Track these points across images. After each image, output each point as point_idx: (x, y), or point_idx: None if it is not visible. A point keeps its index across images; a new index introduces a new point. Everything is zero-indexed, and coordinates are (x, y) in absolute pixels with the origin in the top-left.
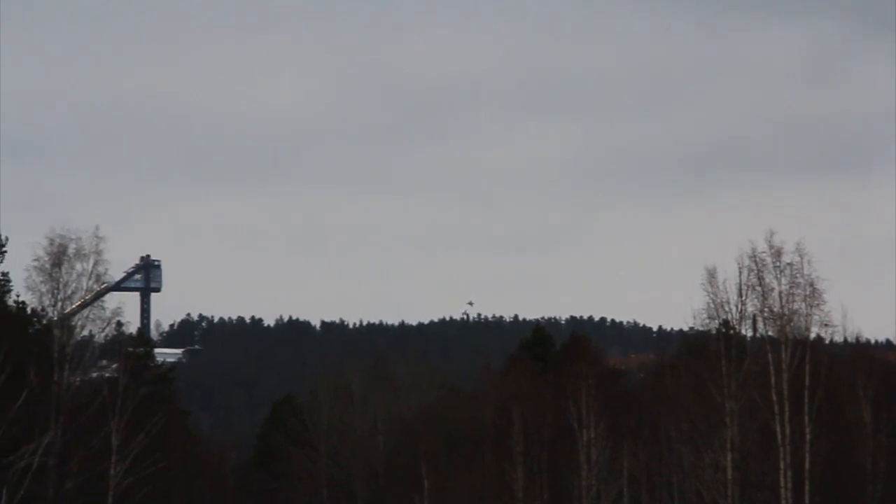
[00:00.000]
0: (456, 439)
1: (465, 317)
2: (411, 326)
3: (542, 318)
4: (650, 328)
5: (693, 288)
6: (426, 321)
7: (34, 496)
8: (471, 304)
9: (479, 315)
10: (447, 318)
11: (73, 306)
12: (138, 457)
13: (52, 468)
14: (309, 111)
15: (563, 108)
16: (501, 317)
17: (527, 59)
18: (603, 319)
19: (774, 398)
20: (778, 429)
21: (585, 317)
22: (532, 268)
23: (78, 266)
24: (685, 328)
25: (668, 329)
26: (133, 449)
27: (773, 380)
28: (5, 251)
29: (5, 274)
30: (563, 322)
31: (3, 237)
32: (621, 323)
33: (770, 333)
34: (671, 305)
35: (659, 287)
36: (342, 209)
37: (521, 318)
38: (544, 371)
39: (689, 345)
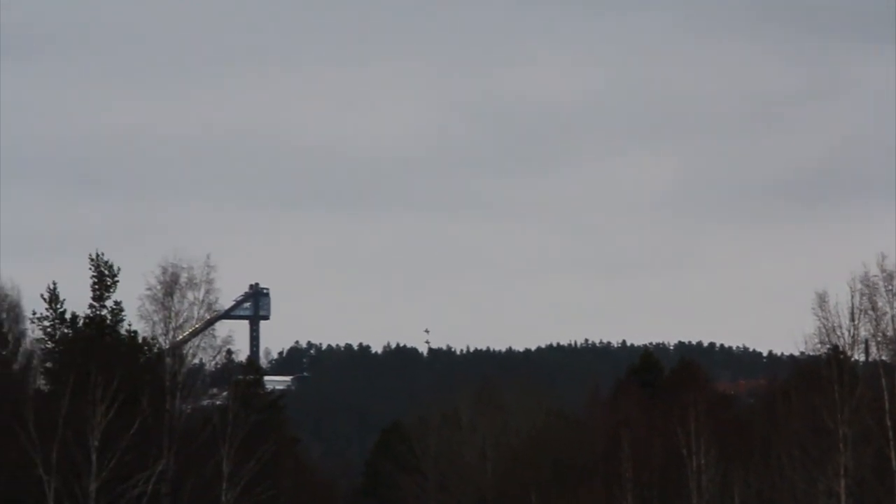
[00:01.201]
0: (564, 466)
1: (572, 343)
2: (518, 352)
3: (651, 343)
4: (760, 353)
5: (803, 312)
6: (533, 347)
7: None
8: (427, 331)
9: (586, 341)
10: (554, 344)
11: (185, 335)
12: (249, 484)
13: (164, 496)
14: (415, 139)
15: (666, 133)
16: (609, 342)
17: (628, 86)
18: (712, 344)
19: (889, 423)
20: (892, 455)
21: (694, 342)
22: (640, 293)
23: (189, 295)
24: (796, 353)
25: (779, 354)
26: (244, 476)
27: (887, 405)
28: (118, 281)
29: (118, 303)
30: (671, 347)
31: (115, 267)
32: (730, 348)
33: (883, 358)
34: (781, 330)
35: (768, 312)
36: (449, 236)
37: (629, 343)
38: (653, 397)
39: (800, 370)
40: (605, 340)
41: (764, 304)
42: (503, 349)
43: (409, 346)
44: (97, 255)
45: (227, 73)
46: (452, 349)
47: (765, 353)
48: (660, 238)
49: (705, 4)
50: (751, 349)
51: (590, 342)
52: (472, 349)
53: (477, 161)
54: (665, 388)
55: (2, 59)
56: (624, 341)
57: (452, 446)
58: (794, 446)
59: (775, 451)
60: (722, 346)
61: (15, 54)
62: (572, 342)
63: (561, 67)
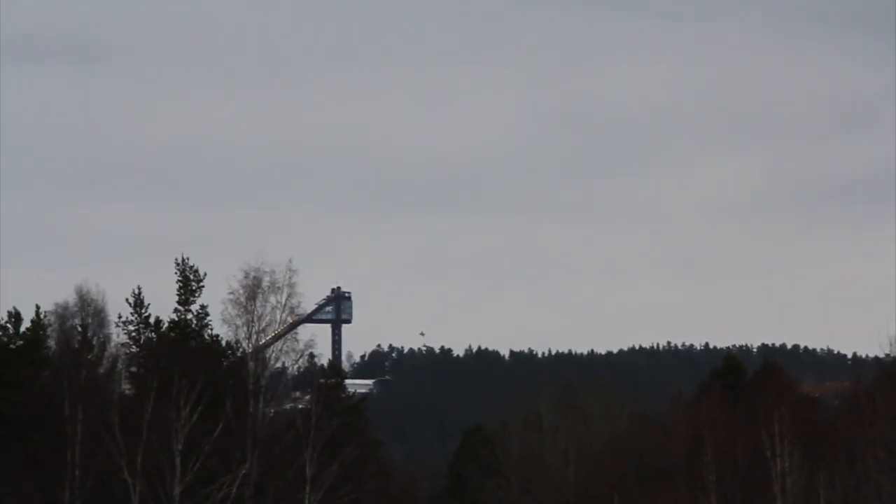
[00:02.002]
0: (647, 468)
1: (654, 345)
2: (600, 355)
3: (734, 345)
4: (844, 355)
5: (888, 314)
6: (615, 350)
7: None
8: (422, 334)
9: (668, 343)
10: (637, 347)
11: (267, 338)
12: (332, 487)
13: (248, 499)
14: (500, 144)
15: (751, 136)
16: (692, 345)
17: (714, 90)
18: (796, 347)
19: None
20: None
21: (778, 344)
22: (723, 295)
23: (272, 299)
24: (881, 355)
25: (863, 356)
26: (326, 479)
27: None
28: (203, 285)
29: (203, 307)
30: (754, 350)
31: (201, 272)
32: (815, 350)
33: None
34: (865, 332)
35: (853, 314)
36: (531, 240)
37: (711, 346)
38: (736, 400)
39: (885, 372)
40: (687, 343)
41: (848, 305)
42: (585, 352)
43: (490, 349)
44: (183, 260)
45: (314, 79)
46: (534, 352)
47: (849, 355)
48: (743, 240)
49: (789, 7)
50: (835, 351)
51: (672, 345)
52: (553, 352)
53: (560, 165)
54: (748, 391)
55: (92, 67)
56: (707, 344)
57: (534, 449)
58: (879, 448)
59: (860, 453)
60: (806, 348)
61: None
62: (654, 345)
63: (648, 71)
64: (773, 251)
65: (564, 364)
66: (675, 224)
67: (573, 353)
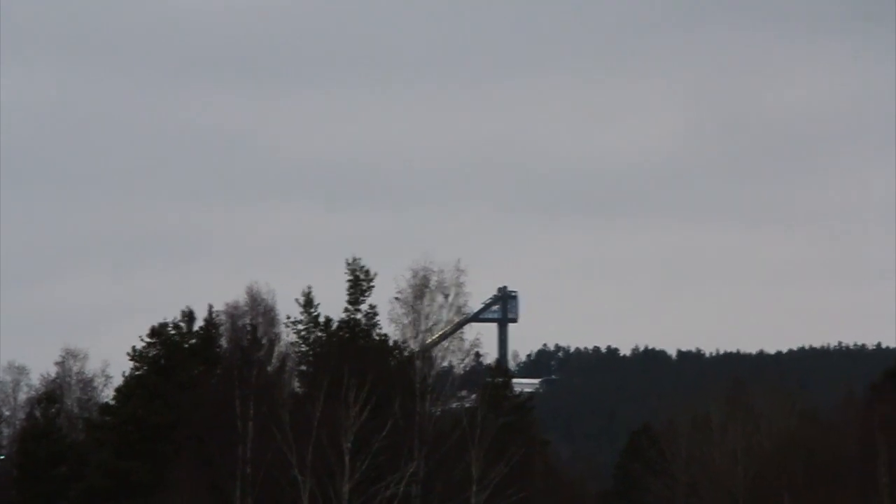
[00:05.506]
0: (818, 469)
1: (825, 345)
2: (769, 355)
3: None
4: None
5: None
6: (784, 350)
7: None
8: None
9: (839, 343)
10: (806, 347)
11: (434, 338)
12: (499, 486)
13: (415, 497)
14: (665, 148)
15: None
16: (863, 345)
17: (879, 96)
18: None
19: None
20: None
21: None
22: (894, 295)
23: (439, 298)
24: None
25: None
26: (493, 478)
27: None
28: (373, 286)
29: (373, 307)
30: None
31: (371, 272)
32: None
33: None
34: None
35: None
36: (699, 241)
37: (883, 345)
38: None
39: None
40: (858, 343)
41: None
42: (753, 352)
43: (657, 348)
44: (354, 260)
45: (481, 85)
46: (701, 352)
47: None
48: None
49: None
50: None
51: (843, 344)
52: (721, 352)
53: (727, 168)
54: None
55: (260, 82)
56: (879, 343)
57: (702, 449)
58: None
59: None
60: None
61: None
62: (825, 344)
63: (812, 76)
64: None
65: (732, 364)
66: (844, 226)
67: (741, 352)
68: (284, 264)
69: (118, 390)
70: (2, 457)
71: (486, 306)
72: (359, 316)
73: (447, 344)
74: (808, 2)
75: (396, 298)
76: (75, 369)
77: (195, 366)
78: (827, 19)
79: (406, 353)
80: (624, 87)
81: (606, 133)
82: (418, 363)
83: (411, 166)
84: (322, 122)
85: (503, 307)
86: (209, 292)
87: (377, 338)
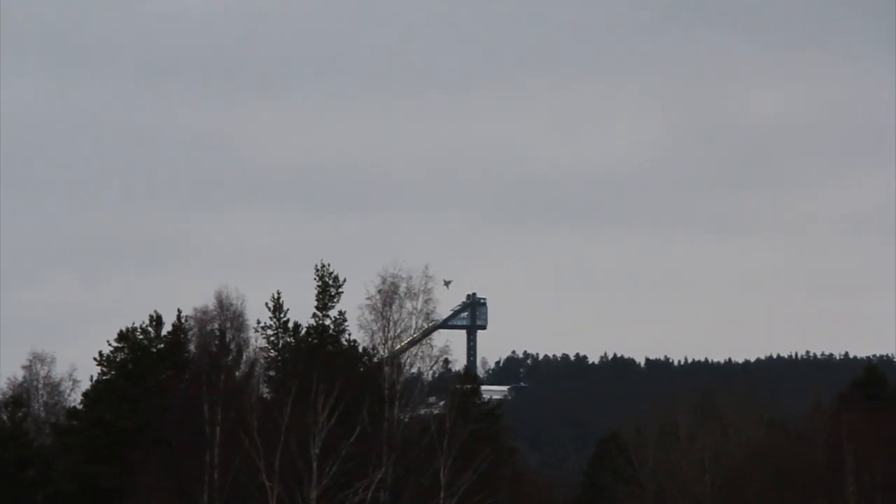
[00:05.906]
0: (786, 478)
1: (793, 355)
2: (738, 364)
3: (874, 355)
4: None
5: None
6: (752, 359)
7: None
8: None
9: (807, 353)
10: (774, 356)
11: (403, 344)
12: (467, 493)
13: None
14: (634, 157)
15: (885, 152)
16: (831, 354)
17: (855, 106)
18: None
19: None
20: None
21: None
22: (863, 306)
23: (408, 305)
24: None
25: None
26: (462, 485)
27: None
28: (342, 291)
29: (342, 313)
30: None
31: (340, 278)
32: None
33: None
34: None
35: None
36: (667, 250)
37: (851, 355)
38: (877, 410)
39: None
40: (826, 352)
41: None
42: (722, 360)
43: (626, 356)
44: (323, 266)
45: (453, 92)
46: (670, 360)
47: None
48: (884, 251)
49: None
50: None
51: (811, 354)
52: (690, 360)
53: (697, 178)
54: (890, 401)
55: (232, 88)
56: (846, 353)
57: (671, 458)
58: None
59: None
60: None
61: (242, 82)
62: (793, 354)
63: (788, 86)
64: None
65: (701, 372)
66: (810, 236)
67: (710, 361)
68: (255, 269)
69: (86, 394)
70: None
71: (455, 313)
72: (328, 322)
73: (416, 350)
74: (785, 13)
75: (366, 304)
76: (42, 373)
77: (163, 370)
78: (803, 30)
79: (375, 360)
80: (596, 95)
81: (577, 142)
82: (387, 369)
83: (382, 172)
84: (294, 128)
85: (472, 314)
86: (179, 297)
87: (346, 344)
